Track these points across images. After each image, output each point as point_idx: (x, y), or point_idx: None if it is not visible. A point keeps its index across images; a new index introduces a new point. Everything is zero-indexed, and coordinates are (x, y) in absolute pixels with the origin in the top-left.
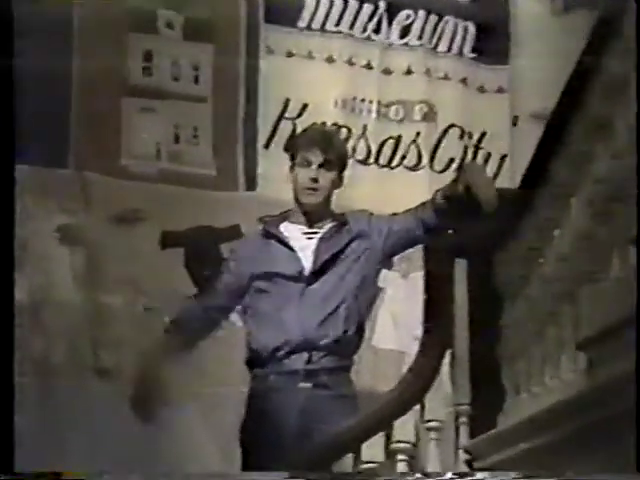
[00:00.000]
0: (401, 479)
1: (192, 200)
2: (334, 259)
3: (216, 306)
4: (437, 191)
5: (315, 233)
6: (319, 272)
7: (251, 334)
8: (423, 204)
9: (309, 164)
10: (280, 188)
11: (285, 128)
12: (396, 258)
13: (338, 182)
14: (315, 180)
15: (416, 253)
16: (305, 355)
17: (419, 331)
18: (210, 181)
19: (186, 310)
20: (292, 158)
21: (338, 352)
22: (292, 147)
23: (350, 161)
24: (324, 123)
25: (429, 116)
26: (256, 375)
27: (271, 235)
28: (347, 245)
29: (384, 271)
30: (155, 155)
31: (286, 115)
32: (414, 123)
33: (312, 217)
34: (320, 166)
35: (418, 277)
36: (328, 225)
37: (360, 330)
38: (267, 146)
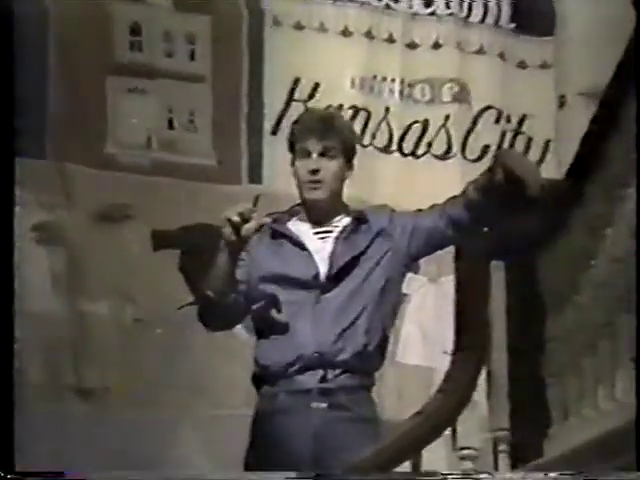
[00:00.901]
0: (400, 478)
1: (188, 195)
2: (353, 262)
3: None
4: (470, 183)
5: (328, 232)
6: (336, 278)
7: (259, 347)
8: (453, 198)
9: (308, 154)
10: (290, 181)
11: (295, 111)
12: (423, 260)
13: (346, 171)
14: (315, 171)
15: (446, 255)
16: (320, 372)
17: (450, 345)
18: (209, 173)
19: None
20: (292, 149)
21: (357, 369)
22: (289, 137)
23: (369, 149)
24: (340, 106)
25: (461, 96)
26: (263, 394)
27: (280, 234)
28: (367, 246)
29: (409, 275)
30: (145, 143)
31: (296, 96)
32: (443, 105)
33: (320, 215)
34: (321, 155)
35: (448, 282)
36: (343, 223)
37: (383, 344)
38: (274, 132)
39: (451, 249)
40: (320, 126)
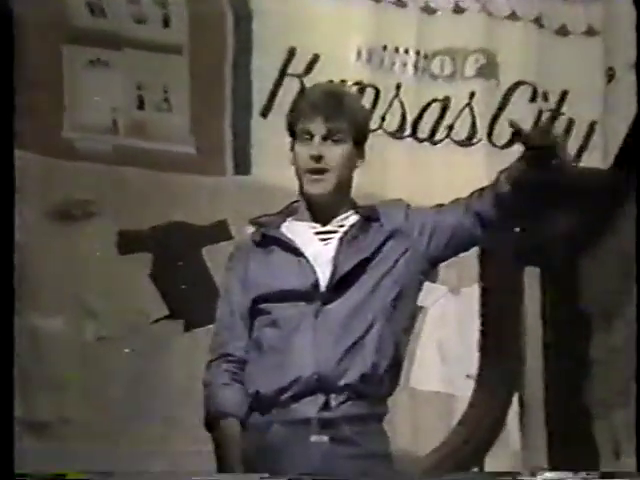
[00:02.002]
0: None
1: (161, 188)
2: (360, 268)
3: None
4: (500, 173)
5: (332, 233)
6: (339, 286)
7: (248, 369)
8: (480, 191)
9: (310, 137)
10: (284, 171)
11: (289, 89)
12: (442, 266)
13: (355, 159)
14: (318, 158)
15: (470, 260)
16: (321, 398)
17: (474, 367)
18: (186, 162)
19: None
20: (291, 132)
21: (365, 394)
22: (289, 116)
23: (378, 133)
24: (343, 82)
25: (488, 70)
26: (253, 425)
27: (271, 239)
28: (378, 249)
29: (426, 284)
30: (110, 126)
31: (290, 70)
32: (467, 80)
33: (323, 211)
34: (325, 138)
35: (473, 292)
36: (350, 221)
37: (395, 365)
38: (264, 114)
39: (475, 253)
40: (326, 103)
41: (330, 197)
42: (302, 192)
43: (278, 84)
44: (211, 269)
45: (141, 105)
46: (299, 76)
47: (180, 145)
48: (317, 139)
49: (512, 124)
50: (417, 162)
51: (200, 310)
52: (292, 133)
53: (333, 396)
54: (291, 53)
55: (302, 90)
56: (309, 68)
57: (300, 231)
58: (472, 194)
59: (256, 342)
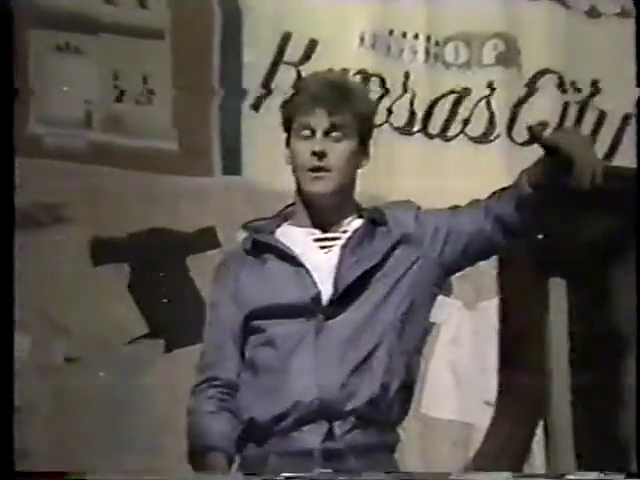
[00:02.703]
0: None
1: (141, 190)
2: (365, 279)
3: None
4: (522, 172)
5: (334, 240)
6: (343, 299)
7: (242, 392)
8: (500, 193)
9: (311, 132)
10: (277, 171)
11: (284, 78)
12: (457, 278)
13: (360, 158)
14: (321, 155)
15: (487, 270)
16: (324, 426)
17: (493, 392)
18: (170, 160)
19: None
20: (287, 126)
21: (374, 421)
22: (286, 109)
23: (385, 128)
24: (345, 70)
25: (508, 57)
26: (248, 457)
27: (265, 247)
28: (385, 256)
29: (439, 298)
30: (84, 120)
31: (286, 58)
32: (485, 69)
33: (324, 215)
34: (327, 134)
35: (490, 307)
36: (353, 226)
37: (406, 388)
38: (256, 107)
39: (493, 263)
40: (330, 94)
41: (332, 198)
42: (300, 193)
43: (271, 73)
44: (196, 281)
45: (118, 97)
46: (295, 64)
47: (162, 141)
48: (319, 134)
49: (531, 130)
50: (428, 161)
51: (184, 328)
52: (288, 128)
53: (338, 423)
54: (286, 38)
55: (299, 80)
56: (306, 55)
57: (297, 238)
58: (491, 195)
59: (250, 363)
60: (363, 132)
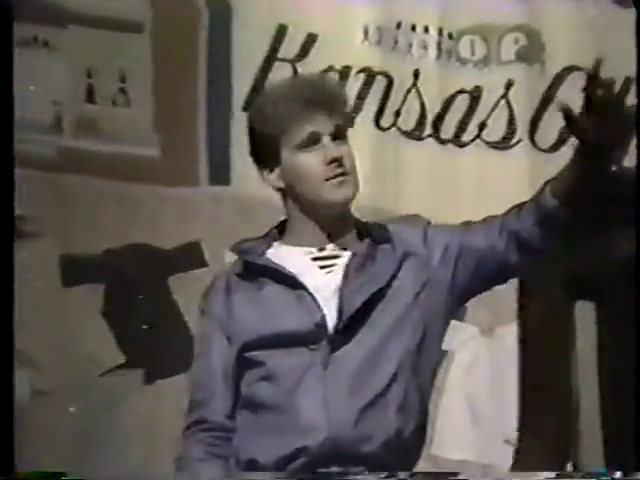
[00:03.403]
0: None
1: (118, 202)
2: (373, 303)
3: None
4: (545, 184)
5: (334, 258)
6: (351, 326)
7: (241, 433)
8: (519, 207)
9: (316, 140)
10: None
11: (279, 77)
12: (472, 303)
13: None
14: (340, 160)
15: (506, 292)
16: (334, 471)
17: (513, 429)
18: (150, 168)
19: None
20: (269, 145)
21: (389, 465)
22: (270, 125)
23: (392, 132)
24: (347, 68)
25: (530, 53)
26: None
27: (258, 269)
28: (392, 278)
29: (452, 323)
30: (53, 124)
31: (281, 54)
32: (503, 66)
33: (326, 230)
34: (334, 137)
35: (510, 333)
36: (353, 242)
37: (422, 427)
38: (248, 109)
39: (513, 284)
40: (328, 95)
41: (348, 206)
42: (319, 204)
43: (265, 71)
44: (180, 304)
45: (91, 97)
46: (291, 61)
47: (142, 147)
48: (326, 139)
49: (563, 108)
50: (440, 169)
51: (165, 357)
52: (269, 148)
53: (351, 468)
54: (281, 32)
55: (265, 93)
56: (303, 51)
57: (293, 257)
58: (509, 211)
59: (248, 401)
60: (346, 133)
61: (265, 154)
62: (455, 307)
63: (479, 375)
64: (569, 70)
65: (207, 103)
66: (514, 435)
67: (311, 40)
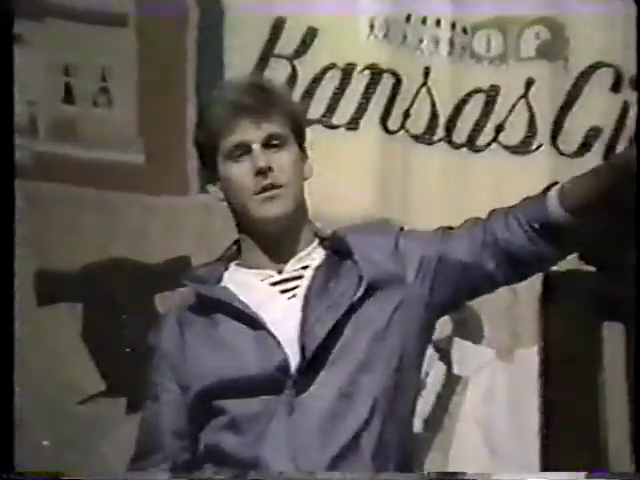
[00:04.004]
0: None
1: (98, 212)
2: (338, 331)
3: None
4: (548, 189)
5: (296, 280)
6: (316, 361)
7: None
8: (505, 213)
9: (245, 149)
10: None
11: (276, 75)
12: (488, 321)
13: (303, 164)
14: (267, 171)
15: (527, 311)
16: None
17: (536, 462)
18: (134, 176)
19: None
20: (210, 155)
21: None
22: (203, 133)
23: (400, 135)
24: (351, 65)
25: (553, 48)
26: None
27: (212, 304)
28: (359, 300)
29: (468, 345)
30: (27, 126)
31: (277, 50)
32: (523, 63)
33: (280, 247)
34: (266, 145)
35: (531, 357)
36: (316, 258)
37: (406, 463)
38: None
39: (535, 302)
40: (254, 98)
41: (288, 221)
42: (246, 225)
43: (260, 68)
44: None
45: (69, 97)
46: (289, 58)
47: (125, 152)
48: (256, 148)
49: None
50: (453, 176)
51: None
52: (207, 158)
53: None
54: (278, 26)
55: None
56: (303, 47)
57: (251, 284)
58: (493, 216)
59: (212, 452)
60: (300, 136)
61: (205, 164)
62: (433, 324)
63: (497, 403)
64: (595, 67)
65: (197, 104)
66: (536, 468)
67: (311, 34)
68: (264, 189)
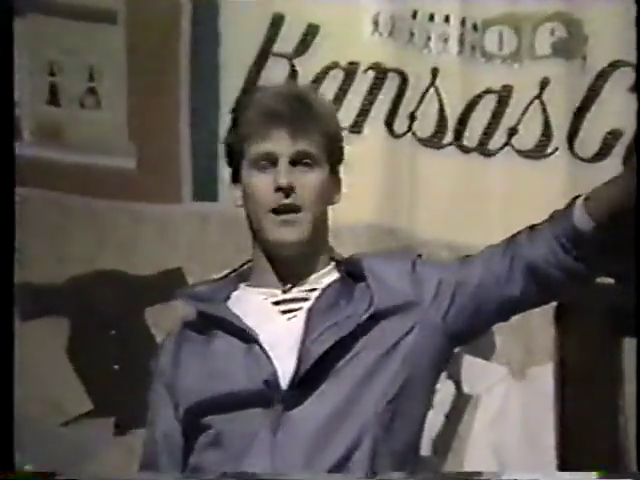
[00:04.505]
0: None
1: (86, 221)
2: (339, 351)
3: None
4: (575, 199)
5: (300, 302)
6: (310, 380)
7: None
8: (530, 230)
9: (271, 161)
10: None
11: (274, 75)
12: (500, 336)
13: (333, 190)
14: (289, 190)
15: (542, 326)
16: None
17: None
18: (124, 182)
19: None
20: (236, 158)
21: None
22: (231, 134)
23: (406, 139)
24: (353, 64)
25: (570, 46)
26: None
27: (213, 321)
28: (368, 322)
29: (477, 362)
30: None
31: (276, 49)
32: (538, 61)
33: (293, 269)
34: (294, 163)
35: (545, 375)
36: (326, 282)
37: None
38: None
39: (550, 316)
40: (292, 110)
41: (304, 247)
42: (264, 240)
43: (257, 68)
44: (157, 339)
45: (55, 98)
46: (289, 56)
47: (114, 157)
48: (283, 163)
49: None
50: (463, 182)
51: (140, 403)
52: (233, 159)
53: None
54: (277, 22)
55: (244, 95)
56: (303, 45)
57: (252, 300)
58: (515, 236)
59: (197, 470)
60: (333, 158)
61: (231, 165)
62: (448, 352)
63: (509, 424)
64: (614, 66)
65: (191, 106)
66: None
67: (312, 32)
68: (282, 209)
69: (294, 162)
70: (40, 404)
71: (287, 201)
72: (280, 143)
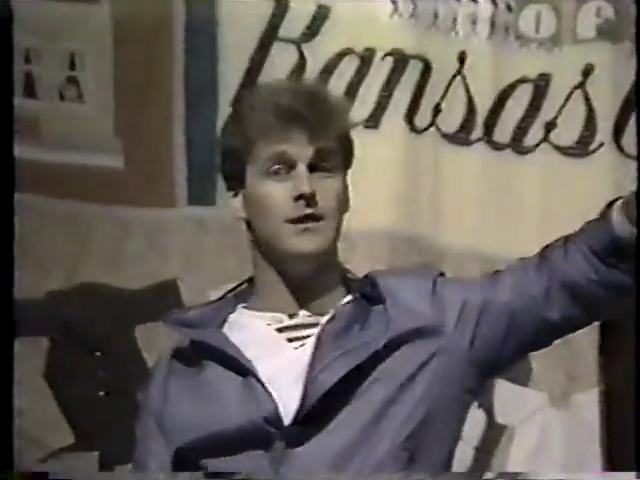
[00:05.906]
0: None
1: (68, 226)
2: (351, 384)
3: None
4: (610, 204)
5: (309, 327)
6: (317, 415)
7: None
8: (565, 241)
9: (289, 166)
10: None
11: (280, 62)
12: (537, 359)
13: (345, 197)
14: (310, 198)
15: (584, 347)
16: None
17: None
18: (111, 184)
19: None
20: (235, 161)
21: None
22: (237, 134)
23: (429, 133)
24: (370, 50)
25: (617, 28)
26: None
27: (205, 350)
28: (385, 350)
29: (512, 388)
30: None
31: (282, 34)
32: (578, 46)
33: (306, 288)
34: (313, 168)
35: (589, 403)
36: (335, 304)
37: None
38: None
39: (593, 337)
40: (312, 111)
41: (322, 259)
42: (278, 252)
43: (262, 54)
44: (149, 362)
45: (31, 89)
46: (296, 42)
47: (98, 155)
48: (302, 168)
49: None
50: (494, 183)
51: (127, 435)
52: (234, 165)
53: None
54: (282, 4)
55: (252, 90)
56: (312, 29)
57: (253, 327)
58: (547, 248)
59: None
60: (346, 159)
61: (230, 171)
62: (475, 383)
63: (549, 458)
64: None
65: (185, 98)
66: None
67: (322, 14)
68: (300, 218)
69: (312, 167)
70: (15, 437)
71: (309, 211)
72: (298, 146)
